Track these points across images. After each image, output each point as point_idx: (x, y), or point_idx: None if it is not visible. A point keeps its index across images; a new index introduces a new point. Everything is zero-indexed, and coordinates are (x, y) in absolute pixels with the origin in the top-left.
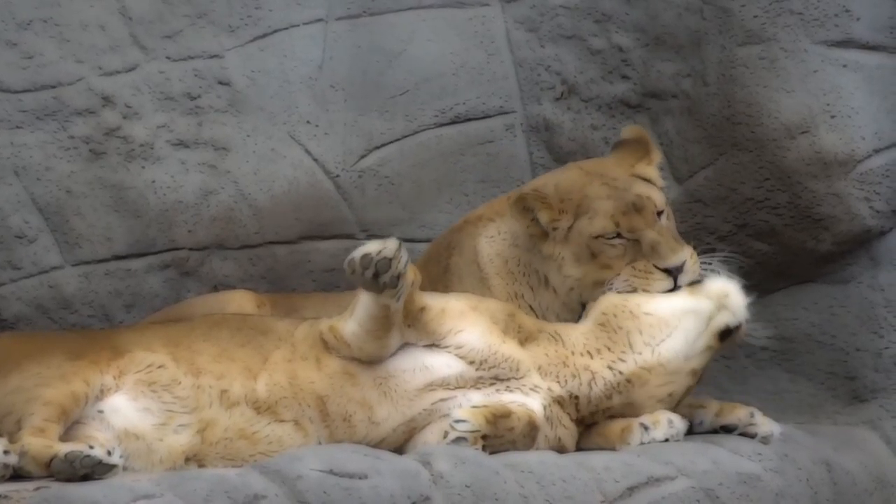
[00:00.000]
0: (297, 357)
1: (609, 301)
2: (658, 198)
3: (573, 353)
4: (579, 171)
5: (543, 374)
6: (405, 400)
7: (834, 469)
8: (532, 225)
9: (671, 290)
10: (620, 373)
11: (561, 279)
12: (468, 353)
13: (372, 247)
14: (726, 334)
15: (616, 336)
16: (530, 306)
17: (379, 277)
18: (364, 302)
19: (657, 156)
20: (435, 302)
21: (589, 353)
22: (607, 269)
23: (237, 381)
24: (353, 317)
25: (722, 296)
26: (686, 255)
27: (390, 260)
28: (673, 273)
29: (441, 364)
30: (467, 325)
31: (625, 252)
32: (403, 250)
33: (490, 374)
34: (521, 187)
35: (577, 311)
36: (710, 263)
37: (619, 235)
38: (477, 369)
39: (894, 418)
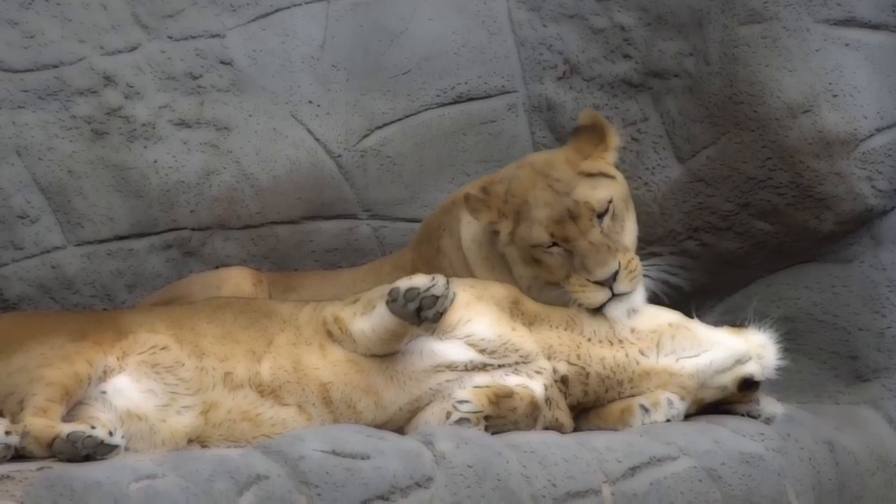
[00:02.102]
0: (302, 341)
1: (648, 310)
2: (600, 198)
3: (589, 340)
4: (531, 169)
5: (552, 355)
6: (412, 381)
7: (836, 449)
8: (482, 224)
9: (610, 300)
10: (638, 363)
11: (518, 275)
12: (478, 342)
13: (420, 280)
14: (746, 385)
15: (647, 336)
16: None
17: (421, 312)
18: (384, 317)
19: (614, 140)
20: None
21: (609, 341)
22: (551, 274)
23: (241, 364)
24: (367, 318)
25: (759, 347)
26: (615, 266)
27: (437, 297)
28: (606, 283)
29: (450, 349)
30: (474, 314)
31: (562, 262)
32: (451, 288)
33: (500, 361)
34: (484, 179)
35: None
36: (648, 273)
37: (555, 244)
38: (489, 357)
39: None
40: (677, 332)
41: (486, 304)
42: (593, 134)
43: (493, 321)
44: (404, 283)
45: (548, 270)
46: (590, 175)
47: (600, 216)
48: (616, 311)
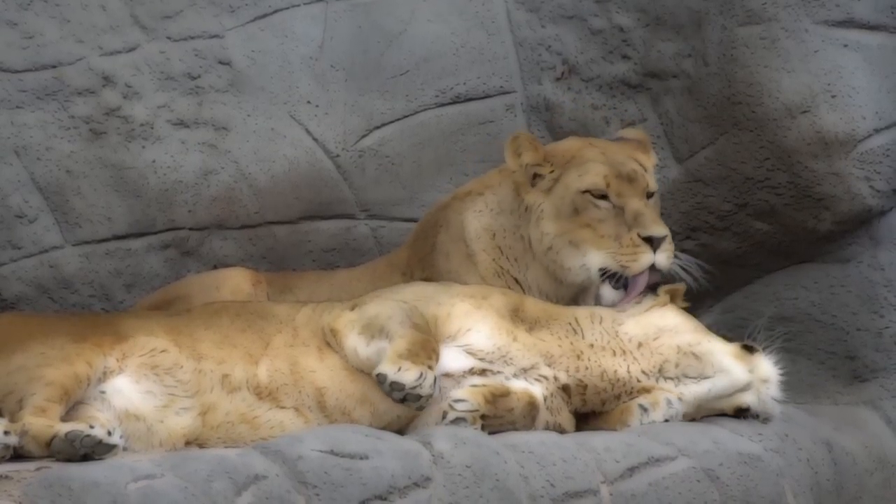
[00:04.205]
0: (299, 343)
1: (662, 322)
2: (651, 180)
3: (591, 347)
4: (578, 138)
5: (552, 363)
6: None
7: (834, 449)
8: (519, 170)
9: (651, 266)
10: (638, 381)
11: (539, 235)
12: (477, 352)
13: (407, 377)
14: (742, 411)
15: (651, 357)
16: (516, 279)
17: (405, 402)
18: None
19: (654, 159)
20: (440, 309)
21: (613, 351)
22: (586, 229)
23: (238, 366)
24: (362, 342)
25: (762, 380)
26: (666, 230)
27: (420, 396)
28: (655, 244)
29: (449, 358)
30: (473, 323)
31: (607, 217)
32: (437, 385)
33: (499, 368)
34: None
35: (560, 282)
36: (678, 258)
37: (606, 197)
38: (488, 364)
39: (894, 398)
40: (682, 359)
41: (485, 313)
42: (639, 145)
43: (492, 331)
44: (392, 374)
45: (584, 223)
46: (641, 164)
47: (649, 195)
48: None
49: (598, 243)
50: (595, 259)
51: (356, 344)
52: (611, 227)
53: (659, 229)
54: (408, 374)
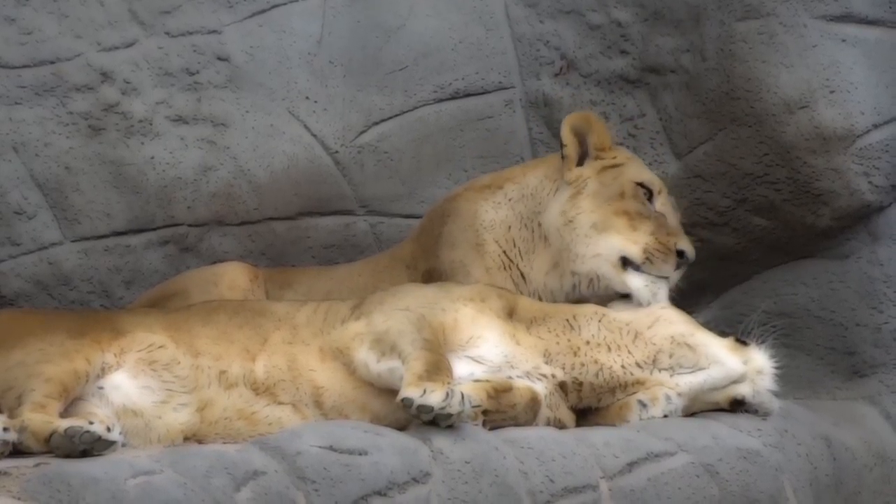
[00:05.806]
0: (298, 341)
1: (658, 312)
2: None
3: (587, 343)
4: None
5: (550, 360)
6: None
7: (833, 444)
8: (572, 145)
9: (664, 278)
10: (632, 374)
11: (567, 207)
12: (486, 361)
13: (434, 398)
14: (738, 404)
15: (645, 348)
16: (522, 275)
17: (435, 422)
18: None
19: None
20: (446, 316)
21: (608, 346)
22: (622, 217)
23: (235, 363)
24: (373, 357)
25: (756, 371)
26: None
27: (451, 415)
28: (680, 263)
29: (457, 368)
30: (481, 331)
31: (649, 214)
32: (467, 401)
33: (505, 373)
34: None
35: (563, 273)
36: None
37: (651, 200)
38: (497, 371)
39: (894, 393)
40: (676, 350)
41: (488, 319)
42: None
43: (498, 339)
44: (418, 398)
45: (619, 211)
46: None
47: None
48: (646, 290)
49: (630, 234)
50: (617, 245)
51: (366, 358)
52: (649, 225)
53: (692, 252)
54: (434, 396)
